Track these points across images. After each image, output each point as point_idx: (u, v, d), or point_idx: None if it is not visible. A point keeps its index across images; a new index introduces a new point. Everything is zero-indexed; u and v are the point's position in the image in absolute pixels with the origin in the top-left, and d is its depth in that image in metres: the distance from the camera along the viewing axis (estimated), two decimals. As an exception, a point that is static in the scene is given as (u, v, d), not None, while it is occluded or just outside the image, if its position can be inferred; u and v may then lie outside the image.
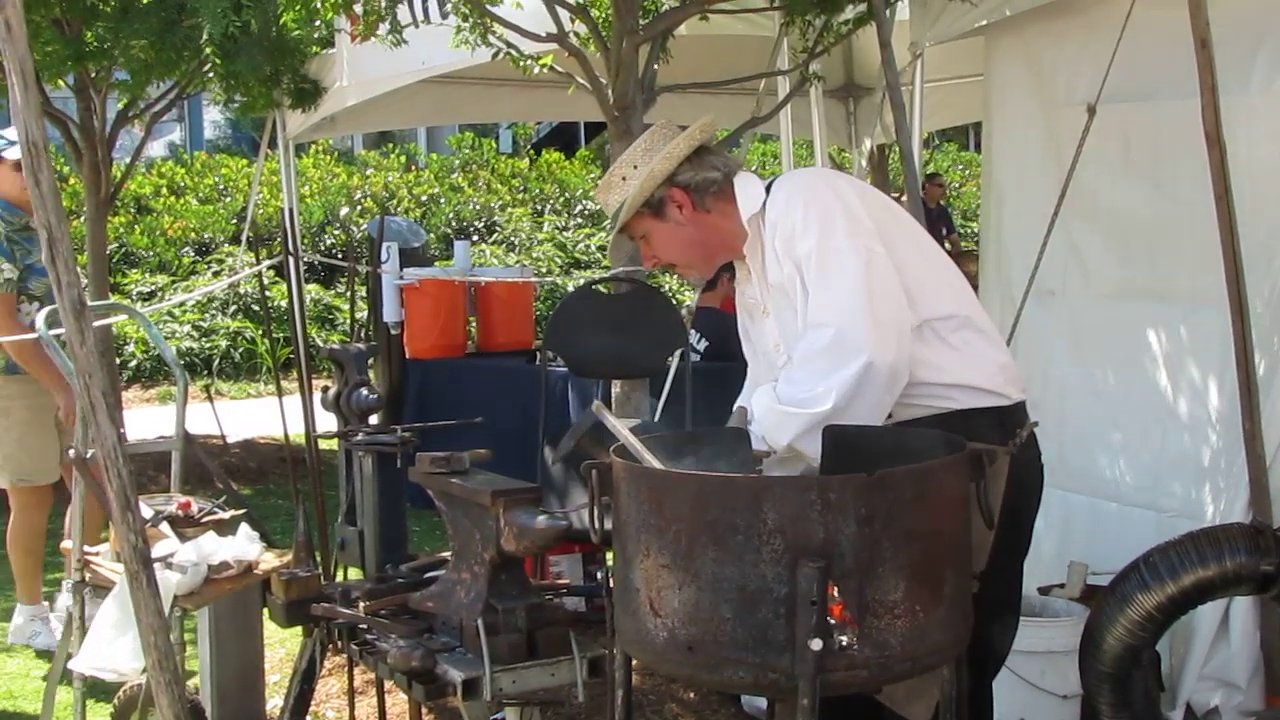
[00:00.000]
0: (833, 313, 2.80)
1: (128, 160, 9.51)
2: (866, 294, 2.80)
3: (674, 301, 6.22)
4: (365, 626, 3.20)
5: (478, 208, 17.88)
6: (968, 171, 21.44)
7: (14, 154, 5.51)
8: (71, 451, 3.67)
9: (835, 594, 2.32)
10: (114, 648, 3.43)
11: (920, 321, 2.90)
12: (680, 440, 2.85)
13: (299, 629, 3.49)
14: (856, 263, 2.82)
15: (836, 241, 2.84)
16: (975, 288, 6.00)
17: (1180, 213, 4.42)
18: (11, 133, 5.69)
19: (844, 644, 2.33)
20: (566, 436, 2.96)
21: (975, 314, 3.03)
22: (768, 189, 3.02)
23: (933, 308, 2.93)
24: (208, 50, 6.31)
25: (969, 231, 16.52)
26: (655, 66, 5.25)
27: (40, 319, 3.84)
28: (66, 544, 3.93)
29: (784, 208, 2.93)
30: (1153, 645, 3.28)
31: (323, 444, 5.37)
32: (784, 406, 2.80)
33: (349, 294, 6.65)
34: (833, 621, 2.32)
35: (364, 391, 3.86)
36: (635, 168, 3.03)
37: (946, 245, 12.62)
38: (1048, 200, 4.64)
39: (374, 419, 3.95)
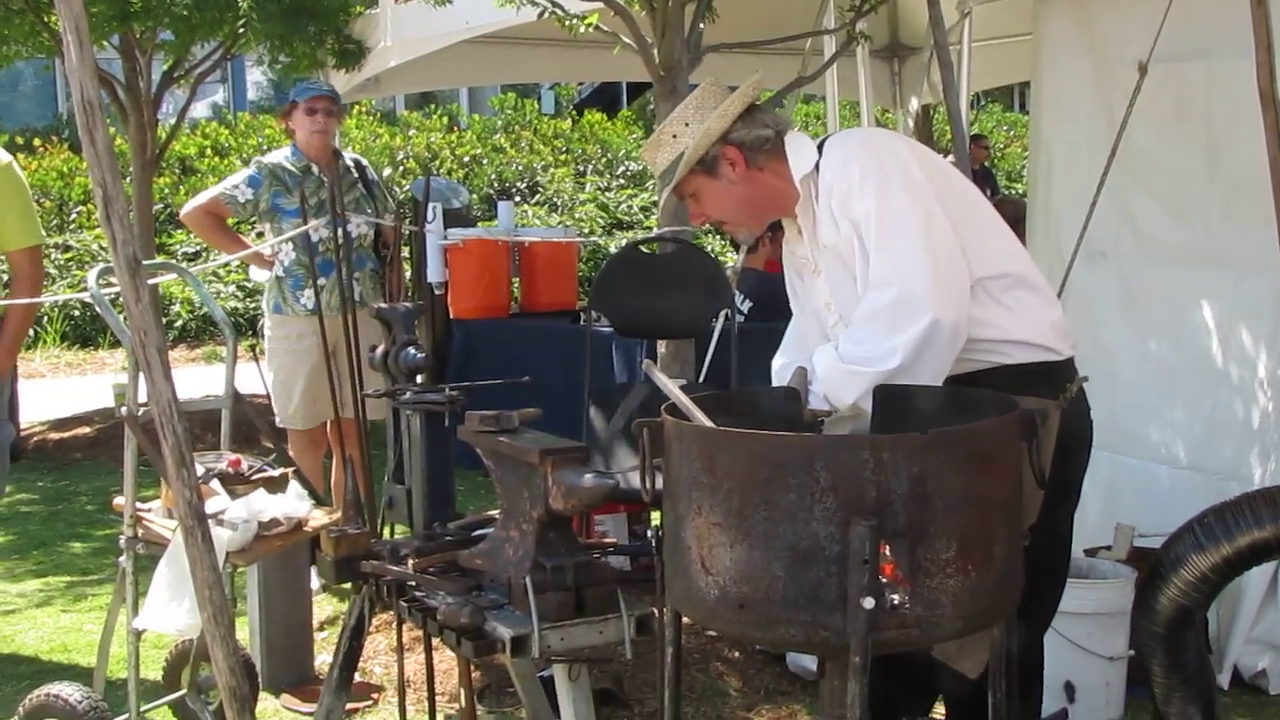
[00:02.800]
0: (896, 272, 2.79)
1: (172, 121, 9.55)
2: (929, 253, 2.79)
3: (718, 262, 6.21)
4: (414, 584, 3.21)
5: (520, 168, 17.87)
6: (1012, 133, 21.23)
7: (306, 97, 5.81)
8: (124, 410, 3.70)
9: (887, 553, 2.32)
10: (170, 607, 3.48)
11: (974, 280, 2.89)
12: (730, 399, 2.85)
13: (347, 586, 3.52)
14: (917, 223, 2.82)
15: (896, 202, 2.83)
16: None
17: (1234, 174, 4.37)
18: (309, 85, 6.04)
19: (895, 603, 2.34)
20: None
21: (1028, 271, 3.02)
22: (820, 148, 3.01)
23: (986, 266, 2.92)
24: (245, 5, 6.32)
25: (1014, 193, 16.37)
26: (701, 26, 5.23)
27: (93, 277, 3.87)
28: (119, 500, 3.97)
29: (840, 169, 2.92)
30: (1206, 607, 3.27)
31: (369, 402, 5.40)
32: (849, 365, 2.80)
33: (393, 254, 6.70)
34: (884, 580, 2.32)
35: (412, 350, 3.88)
36: (686, 125, 3.01)
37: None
38: (1098, 160, 4.60)
39: (420, 378, 3.96)
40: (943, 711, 3.37)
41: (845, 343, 2.86)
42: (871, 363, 2.77)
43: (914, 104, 8.15)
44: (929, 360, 2.77)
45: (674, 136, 3.03)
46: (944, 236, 2.84)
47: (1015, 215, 6.47)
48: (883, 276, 2.82)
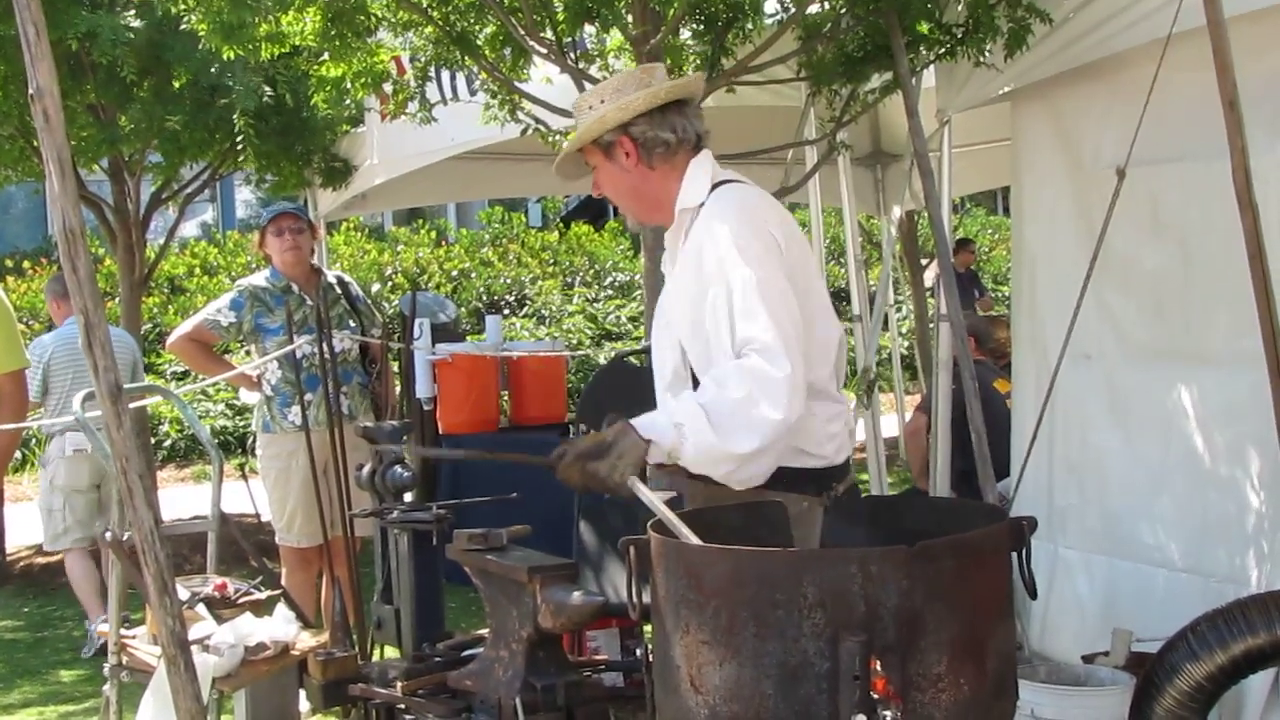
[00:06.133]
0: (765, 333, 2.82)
1: (161, 241, 9.61)
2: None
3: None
4: (403, 706, 3.17)
5: (508, 281, 17.97)
6: (997, 235, 21.42)
7: (272, 218, 5.96)
8: (108, 534, 3.68)
9: (878, 668, 2.29)
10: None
11: None
12: (716, 513, 2.83)
13: (336, 709, 3.47)
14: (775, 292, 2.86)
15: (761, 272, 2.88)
16: (1007, 354, 5.98)
17: (1214, 275, 4.39)
18: (274, 206, 6.19)
19: (888, 719, 2.30)
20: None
21: (829, 383, 3.07)
22: (713, 188, 3.08)
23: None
24: (241, 123, 6.42)
25: (1000, 296, 16.48)
26: (683, 139, 5.26)
27: (77, 402, 3.86)
28: (103, 627, 3.92)
29: (710, 236, 2.97)
30: (1204, 716, 3.22)
31: (357, 522, 5.37)
32: (722, 448, 2.78)
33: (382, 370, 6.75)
34: (876, 696, 2.29)
35: (398, 469, 3.86)
36: (601, 103, 3.10)
37: (977, 307, 12.60)
38: (1079, 264, 4.62)
39: (408, 496, 3.94)
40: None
41: (721, 390, 2.83)
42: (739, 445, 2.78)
43: (897, 211, 8.22)
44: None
45: (589, 108, 3.13)
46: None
47: (973, 328, 6.49)
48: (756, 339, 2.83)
